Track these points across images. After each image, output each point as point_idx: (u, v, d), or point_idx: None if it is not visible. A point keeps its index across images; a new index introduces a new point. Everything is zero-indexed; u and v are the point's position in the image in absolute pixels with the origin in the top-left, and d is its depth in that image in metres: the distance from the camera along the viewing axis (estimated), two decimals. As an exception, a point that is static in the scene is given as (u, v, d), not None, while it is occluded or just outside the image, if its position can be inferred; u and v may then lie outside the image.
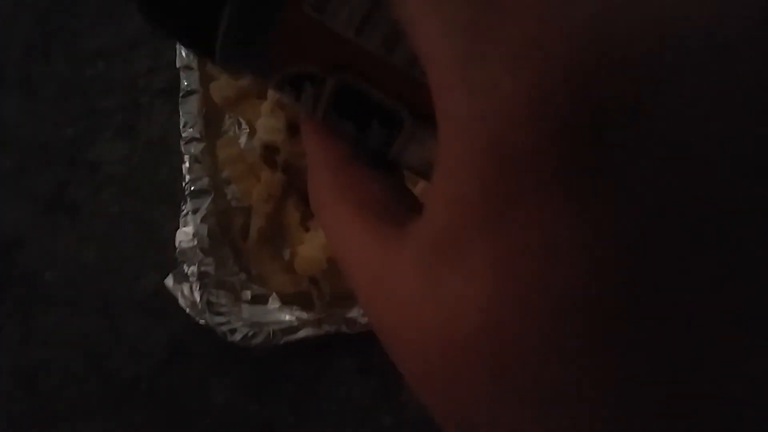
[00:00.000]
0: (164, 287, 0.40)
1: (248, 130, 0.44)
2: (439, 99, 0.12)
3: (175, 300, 0.39)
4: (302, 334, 0.39)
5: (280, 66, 0.15)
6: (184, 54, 0.44)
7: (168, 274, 0.40)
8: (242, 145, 0.44)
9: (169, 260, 0.41)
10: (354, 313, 0.39)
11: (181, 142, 0.42)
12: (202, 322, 0.39)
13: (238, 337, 0.38)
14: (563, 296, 0.11)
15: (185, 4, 0.15)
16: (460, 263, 0.12)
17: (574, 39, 0.11)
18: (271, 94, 0.41)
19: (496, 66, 0.11)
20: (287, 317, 0.39)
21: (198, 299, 0.39)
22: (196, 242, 0.39)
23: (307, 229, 0.40)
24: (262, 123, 0.40)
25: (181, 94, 0.43)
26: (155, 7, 0.16)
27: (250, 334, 0.38)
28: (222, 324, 0.38)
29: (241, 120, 0.44)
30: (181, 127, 0.42)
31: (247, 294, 0.40)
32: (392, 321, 0.14)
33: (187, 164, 0.41)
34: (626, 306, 0.11)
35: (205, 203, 0.40)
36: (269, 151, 0.39)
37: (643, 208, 0.11)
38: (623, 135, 0.11)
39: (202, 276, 0.39)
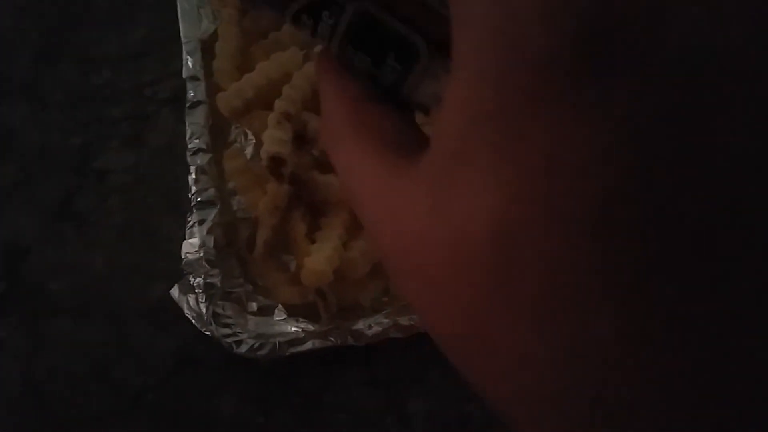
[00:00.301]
0: (170, 297, 0.40)
1: (255, 141, 0.44)
2: (455, 5, 0.12)
3: (182, 310, 0.39)
4: (308, 345, 0.39)
5: None
6: (190, 64, 0.44)
7: (174, 284, 0.40)
8: (248, 156, 0.44)
9: (176, 270, 0.41)
10: (360, 325, 0.39)
11: (188, 153, 0.42)
12: (207, 333, 0.39)
13: (244, 348, 0.38)
14: (572, 207, 0.11)
15: None
16: (470, 178, 0.12)
17: None
18: (278, 105, 0.41)
19: None
20: (293, 329, 0.39)
21: (204, 311, 0.39)
22: (202, 254, 0.39)
23: (313, 241, 0.40)
24: (269, 134, 0.39)
25: (187, 105, 0.43)
26: None
27: (256, 345, 0.38)
28: (228, 336, 0.38)
29: (248, 131, 0.44)
30: (187, 138, 0.42)
31: (253, 305, 0.40)
32: (401, 246, 0.14)
33: (193, 175, 0.41)
34: (635, 218, 0.11)
35: (212, 214, 0.40)
36: (276, 163, 0.39)
37: (654, 116, 0.11)
38: (639, 41, 0.11)
39: (207, 287, 0.39)
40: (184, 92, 0.44)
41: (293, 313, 0.40)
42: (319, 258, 0.38)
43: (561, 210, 0.11)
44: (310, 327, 0.39)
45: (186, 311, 0.39)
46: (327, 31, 0.16)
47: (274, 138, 0.40)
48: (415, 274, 0.14)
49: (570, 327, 0.12)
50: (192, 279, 0.39)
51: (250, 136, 0.45)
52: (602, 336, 0.11)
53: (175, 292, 0.40)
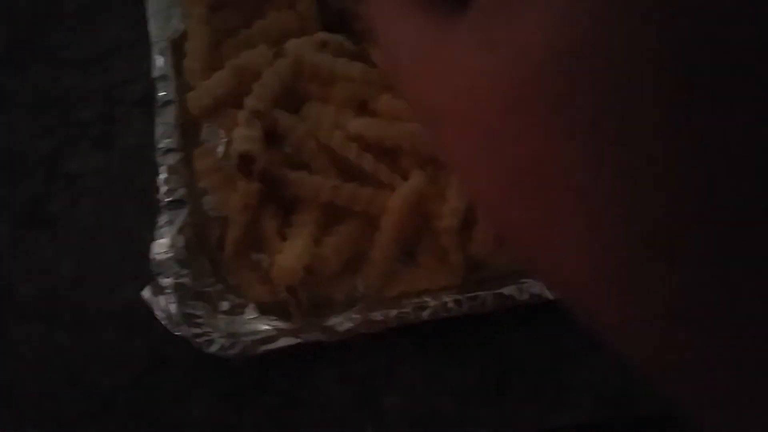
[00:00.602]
0: (141, 298, 0.40)
1: (226, 140, 0.44)
2: None
3: (153, 311, 0.39)
4: (280, 343, 0.38)
5: None
6: (160, 64, 0.44)
7: (145, 286, 0.40)
8: (220, 155, 0.44)
9: (146, 271, 0.40)
10: (332, 321, 0.39)
11: (157, 153, 0.42)
12: (178, 333, 0.38)
13: (214, 348, 0.38)
14: (633, 26, 0.11)
15: None
16: (522, 13, 0.12)
17: None
18: (248, 103, 0.41)
19: None
20: (264, 327, 0.39)
21: (174, 311, 0.38)
22: (172, 254, 0.39)
23: (285, 238, 0.40)
24: (239, 133, 0.39)
25: (157, 105, 0.43)
26: None
27: (227, 344, 0.38)
28: (198, 336, 0.38)
29: (219, 130, 0.44)
30: (157, 137, 0.42)
31: (225, 305, 0.40)
32: (446, 98, 0.14)
33: (163, 175, 0.41)
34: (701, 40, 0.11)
35: (182, 215, 0.40)
36: (246, 161, 0.39)
37: None
38: None
39: (178, 288, 0.39)
40: (154, 93, 0.44)
41: (265, 311, 0.40)
42: (289, 255, 0.38)
43: (623, 27, 0.11)
44: (282, 325, 0.39)
45: (156, 312, 0.39)
46: None
47: (244, 136, 0.39)
48: (466, 131, 0.14)
49: (629, 153, 0.11)
50: (162, 280, 0.39)
51: (222, 135, 0.44)
52: (661, 162, 0.11)
53: (146, 293, 0.40)
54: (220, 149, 0.44)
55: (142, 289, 0.40)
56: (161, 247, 0.39)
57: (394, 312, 0.39)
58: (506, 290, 0.39)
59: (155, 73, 0.43)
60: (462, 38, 0.14)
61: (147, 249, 0.41)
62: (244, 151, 0.39)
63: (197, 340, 0.38)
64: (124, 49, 0.48)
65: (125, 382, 0.41)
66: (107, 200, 0.45)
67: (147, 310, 0.39)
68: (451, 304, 0.39)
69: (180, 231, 0.40)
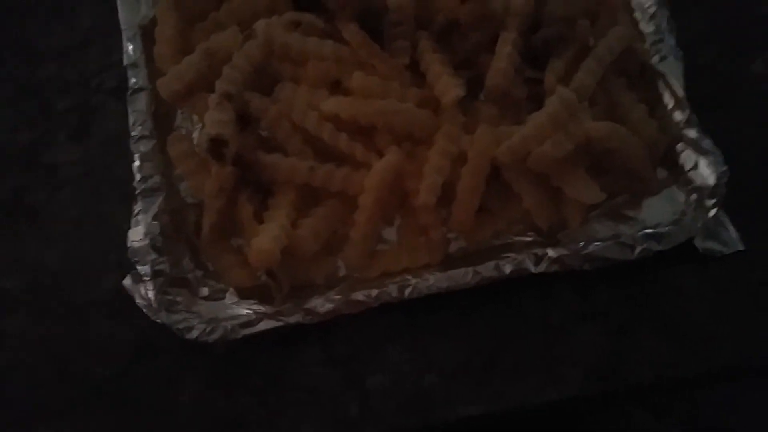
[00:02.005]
0: (125, 287, 0.40)
1: (201, 126, 0.44)
2: None
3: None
4: (261, 327, 0.38)
5: None
6: (131, 51, 0.43)
7: (127, 274, 0.40)
8: (195, 141, 0.43)
9: (129, 259, 0.40)
10: (312, 302, 0.39)
11: (131, 141, 0.41)
12: (158, 321, 0.38)
13: (195, 334, 0.38)
14: None
15: None
16: None
17: None
18: (218, 86, 0.40)
19: None
20: (245, 311, 0.39)
21: (153, 298, 0.38)
22: (148, 241, 0.39)
23: (261, 221, 0.40)
24: (209, 116, 0.39)
25: (129, 92, 0.42)
26: None
27: (208, 330, 0.38)
28: (178, 322, 0.38)
29: (194, 116, 0.43)
30: (130, 125, 0.42)
31: (205, 290, 0.40)
32: None
33: (137, 163, 0.41)
34: None
35: (157, 201, 0.40)
36: (217, 145, 0.38)
37: None
38: None
39: (156, 275, 0.39)
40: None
41: (245, 296, 0.40)
42: (266, 238, 0.38)
43: None
44: (262, 308, 0.39)
45: (137, 300, 0.39)
46: None
47: (215, 119, 0.39)
48: None
49: None
50: (140, 267, 0.39)
51: (197, 121, 0.44)
52: None
53: (128, 281, 0.40)
54: (196, 134, 0.44)
55: (125, 277, 0.40)
56: (137, 234, 0.39)
57: (375, 291, 0.38)
58: (487, 264, 0.38)
59: (126, 61, 0.43)
60: None
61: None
62: (215, 134, 0.39)
63: (177, 326, 0.38)
64: (98, 38, 0.47)
65: (113, 370, 0.41)
66: (88, 190, 0.45)
67: (131, 298, 0.39)
68: (432, 281, 0.38)
69: (155, 218, 0.40)
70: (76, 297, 0.43)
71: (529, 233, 0.40)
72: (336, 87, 0.42)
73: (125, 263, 0.41)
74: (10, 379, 0.42)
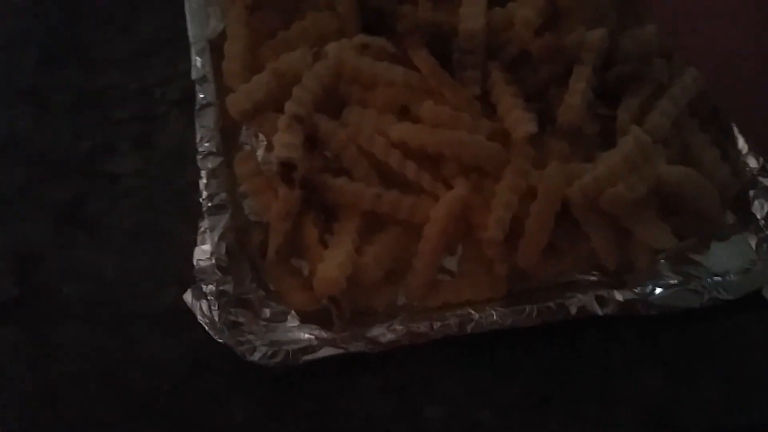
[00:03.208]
0: (183, 301, 0.40)
1: (266, 143, 0.43)
2: None
3: (194, 315, 0.39)
4: (321, 353, 0.38)
5: None
6: (199, 65, 0.43)
7: (186, 289, 0.40)
8: (260, 159, 0.43)
9: (187, 274, 0.40)
10: (374, 332, 0.39)
11: (198, 157, 0.41)
12: (221, 341, 0.38)
13: (257, 356, 0.38)
14: None
15: None
16: None
17: None
18: (288, 107, 0.40)
19: None
20: (306, 336, 0.39)
21: (216, 318, 0.38)
22: (213, 260, 0.39)
23: (326, 246, 0.40)
24: (279, 139, 0.39)
25: (197, 107, 0.42)
26: None
27: (269, 353, 0.38)
28: (241, 344, 0.38)
29: (259, 133, 0.43)
30: (197, 141, 0.42)
31: (266, 312, 0.40)
32: None
33: (204, 180, 0.41)
34: None
35: (223, 220, 0.40)
36: (286, 168, 0.38)
37: None
38: None
39: (220, 295, 0.38)
40: (194, 92, 0.43)
41: (306, 319, 0.40)
42: (331, 265, 0.38)
43: None
44: (324, 334, 0.39)
45: (199, 317, 0.39)
46: None
47: (285, 142, 0.39)
48: None
49: None
50: (204, 286, 0.39)
51: (261, 138, 0.44)
52: None
53: (188, 297, 0.40)
54: (260, 152, 0.44)
55: (182, 292, 0.40)
56: (203, 253, 0.39)
57: (437, 324, 0.38)
58: (552, 304, 0.38)
59: (194, 75, 0.43)
60: None
61: (187, 251, 0.41)
62: (285, 158, 0.38)
63: (240, 348, 0.38)
64: (161, 48, 0.47)
65: (165, 385, 0.41)
66: (147, 201, 0.45)
67: (188, 313, 0.39)
68: (495, 317, 0.38)
69: (221, 237, 0.40)
70: (131, 309, 0.43)
71: (594, 272, 0.40)
72: (404, 113, 0.42)
73: (182, 277, 0.41)
74: (62, 390, 0.42)
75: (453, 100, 0.41)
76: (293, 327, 0.39)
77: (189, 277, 0.40)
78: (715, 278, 0.38)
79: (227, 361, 0.40)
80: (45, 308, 0.43)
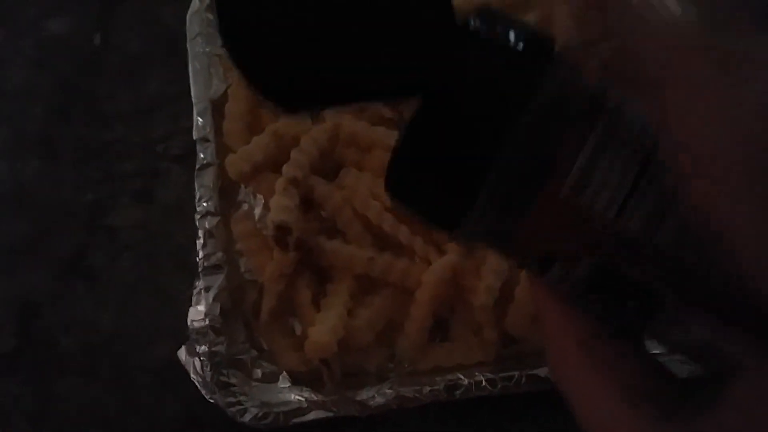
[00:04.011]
0: (177, 357, 0.40)
1: (263, 201, 0.44)
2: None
3: (187, 370, 0.40)
4: (311, 416, 0.39)
5: (529, 247, 0.15)
6: (200, 125, 0.44)
7: (181, 344, 0.40)
8: (257, 217, 0.44)
9: (182, 329, 0.41)
10: (364, 395, 0.39)
11: (196, 216, 0.42)
12: (212, 401, 0.39)
13: (248, 417, 0.38)
14: None
15: (433, 189, 0.15)
16: None
17: None
18: (285, 170, 0.41)
19: None
20: (296, 398, 0.39)
21: (209, 379, 0.39)
22: (207, 321, 0.40)
23: (319, 308, 0.40)
24: (275, 201, 0.40)
25: (197, 167, 0.43)
26: (403, 182, 0.15)
27: (260, 414, 0.38)
28: (232, 404, 0.39)
29: (257, 193, 0.44)
30: (196, 200, 0.42)
31: (258, 372, 0.40)
32: None
33: (201, 239, 0.41)
34: None
35: (218, 280, 0.41)
36: (282, 231, 0.39)
37: None
38: None
39: (212, 356, 0.39)
40: (195, 148, 0.44)
41: (298, 380, 0.40)
42: (323, 329, 0.38)
43: None
44: (314, 396, 0.39)
45: (192, 375, 0.40)
46: (556, 278, 0.15)
47: (281, 205, 0.40)
48: None
49: None
50: (197, 347, 0.39)
51: (260, 196, 0.45)
52: None
53: (182, 354, 0.40)
54: (257, 211, 0.44)
55: (178, 346, 0.41)
56: (198, 314, 0.40)
57: (426, 389, 0.39)
58: (541, 371, 0.38)
59: (196, 135, 0.44)
60: None
61: (183, 306, 0.41)
62: (281, 221, 0.39)
63: (231, 409, 0.39)
64: (166, 104, 0.48)
65: (159, 439, 0.42)
66: (147, 255, 0.46)
67: (182, 369, 0.40)
68: (484, 384, 0.38)
69: (216, 297, 0.40)
70: (127, 362, 0.44)
71: (583, 339, 0.40)
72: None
73: (178, 333, 0.41)
74: (59, 441, 0.42)
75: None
76: (284, 388, 0.40)
77: (183, 332, 0.41)
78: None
79: (219, 418, 0.41)
80: (43, 361, 0.44)
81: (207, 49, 0.46)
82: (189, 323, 0.40)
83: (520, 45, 0.14)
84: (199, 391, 0.40)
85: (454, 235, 0.15)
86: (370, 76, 0.14)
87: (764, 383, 0.12)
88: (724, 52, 0.13)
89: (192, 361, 0.40)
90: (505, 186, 0.14)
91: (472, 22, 0.14)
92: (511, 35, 0.14)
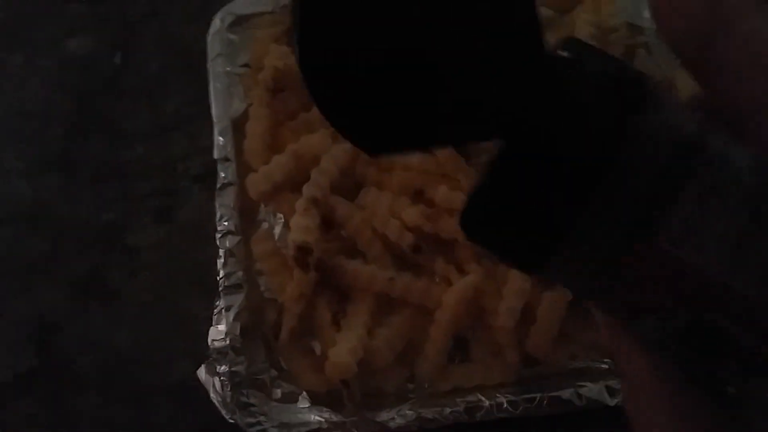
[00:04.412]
0: (195, 376, 0.40)
1: (283, 221, 0.44)
2: None
3: (207, 391, 0.40)
4: (331, 437, 0.38)
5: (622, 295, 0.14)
6: (221, 144, 0.44)
7: (200, 364, 0.40)
8: (277, 236, 0.44)
9: (202, 349, 0.41)
10: (384, 416, 0.39)
11: (217, 236, 0.42)
12: (232, 421, 0.39)
13: (267, 439, 0.38)
14: None
15: (515, 231, 0.14)
16: None
17: None
18: (306, 190, 0.41)
19: None
20: (316, 418, 0.39)
21: (228, 399, 0.39)
22: (228, 341, 0.40)
23: (339, 327, 0.40)
24: (296, 222, 0.40)
25: (218, 186, 0.43)
26: (482, 228, 0.15)
27: (280, 435, 0.38)
28: (252, 425, 0.38)
29: (277, 212, 0.44)
30: (217, 220, 0.42)
31: (278, 392, 0.40)
32: None
33: (222, 259, 0.42)
34: None
35: (239, 299, 0.41)
36: (302, 252, 0.39)
37: None
38: None
39: (233, 376, 0.39)
40: (214, 167, 0.44)
41: (317, 401, 0.40)
42: (343, 350, 0.38)
43: None
44: (333, 417, 0.39)
45: (212, 395, 0.39)
46: (648, 329, 0.14)
47: (301, 226, 0.40)
48: None
49: None
50: (218, 366, 0.39)
51: (280, 215, 0.45)
52: None
53: (201, 373, 0.40)
54: (277, 230, 0.44)
55: (196, 366, 0.40)
56: (218, 333, 0.40)
57: (447, 410, 0.38)
58: (564, 393, 0.38)
59: (216, 155, 0.44)
60: None
61: (202, 327, 0.41)
62: (301, 242, 0.39)
63: (251, 429, 0.38)
64: (185, 123, 0.49)
65: (177, 460, 0.42)
66: (165, 275, 0.46)
67: (200, 388, 0.40)
68: (506, 405, 0.38)
69: (236, 317, 0.40)
70: (146, 381, 0.43)
71: (605, 360, 0.40)
72: (419, 195, 0.43)
73: (196, 352, 0.41)
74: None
75: (467, 186, 0.42)
76: (304, 408, 0.40)
77: (201, 352, 0.41)
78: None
79: (237, 436, 0.41)
80: (61, 380, 0.44)
81: (228, 69, 0.46)
82: (209, 342, 0.40)
83: (614, 80, 0.13)
84: (215, 411, 0.40)
85: (536, 273, 0.15)
86: (456, 117, 0.13)
87: None
88: None
89: (212, 381, 0.40)
90: (601, 230, 0.13)
91: (561, 54, 0.13)
92: (605, 69, 0.13)
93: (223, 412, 0.39)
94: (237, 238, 0.42)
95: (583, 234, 0.13)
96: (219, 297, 0.41)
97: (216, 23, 0.47)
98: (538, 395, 0.38)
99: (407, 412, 0.39)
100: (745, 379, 0.14)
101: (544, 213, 0.13)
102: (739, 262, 0.13)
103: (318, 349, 0.42)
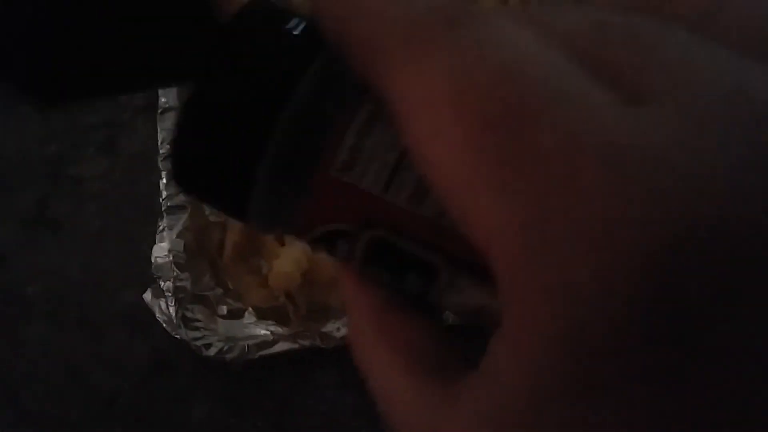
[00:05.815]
0: (144, 301, 0.40)
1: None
2: (503, 283, 0.12)
3: (154, 313, 0.40)
4: (277, 348, 0.39)
5: (312, 227, 0.15)
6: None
7: (147, 289, 0.41)
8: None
9: (149, 275, 0.41)
10: (329, 327, 0.39)
11: (159, 158, 0.42)
12: (177, 337, 0.39)
13: (213, 351, 0.38)
14: None
15: (215, 175, 0.15)
16: None
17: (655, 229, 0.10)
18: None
19: (565, 257, 0.11)
20: (262, 332, 0.39)
21: (173, 314, 0.39)
22: (171, 257, 0.40)
23: (283, 243, 0.40)
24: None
25: (159, 111, 0.43)
26: (186, 174, 0.16)
27: (225, 348, 0.39)
28: (197, 339, 0.39)
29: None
30: (159, 143, 0.42)
31: (223, 309, 0.40)
32: None
33: (164, 180, 0.42)
34: None
35: (182, 219, 0.41)
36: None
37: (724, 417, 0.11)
38: (708, 339, 0.11)
39: (177, 291, 0.39)
40: (158, 101, 0.44)
41: (263, 316, 0.40)
42: (286, 261, 0.38)
43: None
44: (280, 330, 0.39)
45: (157, 315, 0.40)
46: (344, 255, 0.15)
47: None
48: None
49: None
50: (162, 283, 0.39)
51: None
52: None
53: (147, 296, 0.40)
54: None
55: (144, 291, 0.41)
56: (161, 250, 0.40)
57: (390, 318, 0.39)
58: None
59: (158, 80, 0.44)
60: (460, 428, 0.13)
61: (149, 253, 0.41)
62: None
63: (196, 343, 0.39)
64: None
65: (127, 384, 0.42)
66: (111, 204, 0.45)
67: (149, 313, 0.40)
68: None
69: (179, 235, 0.40)
70: (95, 309, 0.44)
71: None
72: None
73: (145, 279, 0.41)
74: (27, 388, 0.42)
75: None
76: (250, 323, 0.40)
77: (150, 278, 0.41)
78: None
79: (188, 359, 0.41)
80: (10, 309, 0.44)
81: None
82: (152, 260, 0.40)
83: (295, 32, 0.15)
84: (166, 336, 0.40)
85: (245, 222, 0.16)
86: (128, 68, 0.15)
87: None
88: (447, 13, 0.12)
89: (158, 302, 0.40)
90: (280, 169, 0.14)
91: (237, 23, 0.15)
92: (285, 24, 0.15)
93: (169, 329, 0.39)
94: (180, 161, 0.42)
95: (268, 171, 0.14)
96: (162, 217, 0.41)
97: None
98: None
99: (351, 322, 0.39)
100: (425, 288, 0.15)
101: (234, 157, 0.14)
102: (396, 181, 0.14)
103: (265, 269, 0.42)
